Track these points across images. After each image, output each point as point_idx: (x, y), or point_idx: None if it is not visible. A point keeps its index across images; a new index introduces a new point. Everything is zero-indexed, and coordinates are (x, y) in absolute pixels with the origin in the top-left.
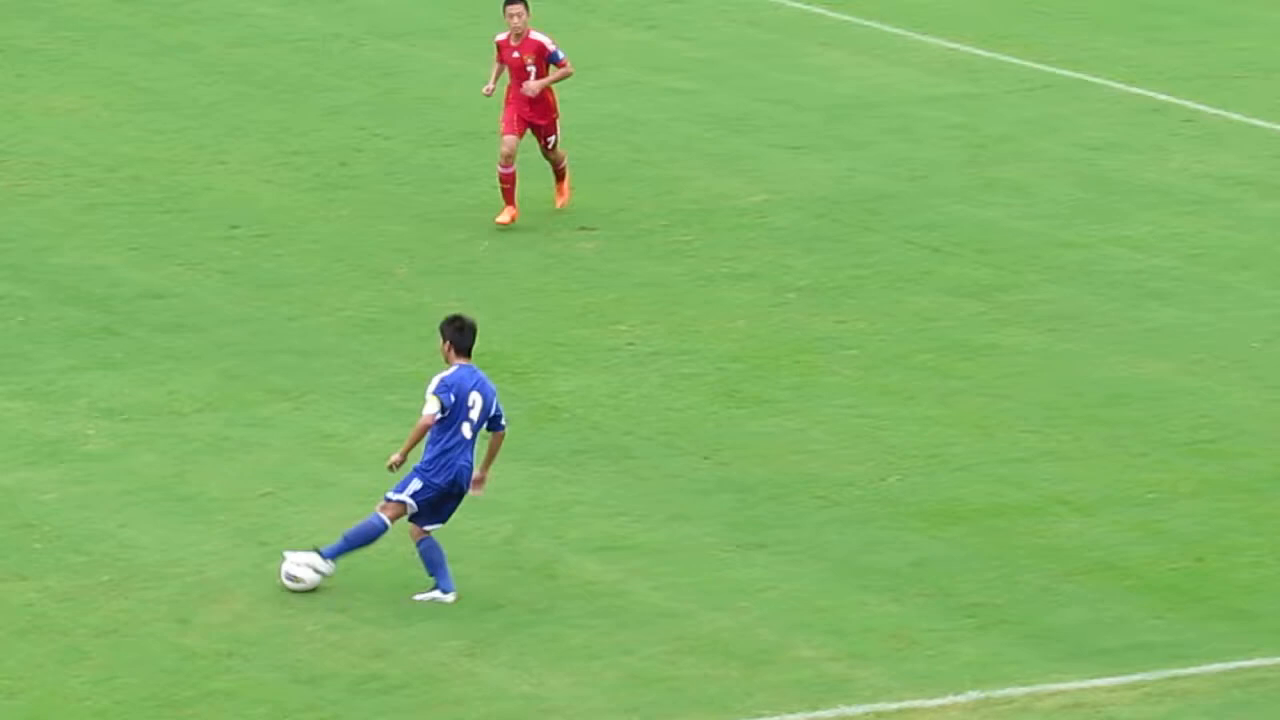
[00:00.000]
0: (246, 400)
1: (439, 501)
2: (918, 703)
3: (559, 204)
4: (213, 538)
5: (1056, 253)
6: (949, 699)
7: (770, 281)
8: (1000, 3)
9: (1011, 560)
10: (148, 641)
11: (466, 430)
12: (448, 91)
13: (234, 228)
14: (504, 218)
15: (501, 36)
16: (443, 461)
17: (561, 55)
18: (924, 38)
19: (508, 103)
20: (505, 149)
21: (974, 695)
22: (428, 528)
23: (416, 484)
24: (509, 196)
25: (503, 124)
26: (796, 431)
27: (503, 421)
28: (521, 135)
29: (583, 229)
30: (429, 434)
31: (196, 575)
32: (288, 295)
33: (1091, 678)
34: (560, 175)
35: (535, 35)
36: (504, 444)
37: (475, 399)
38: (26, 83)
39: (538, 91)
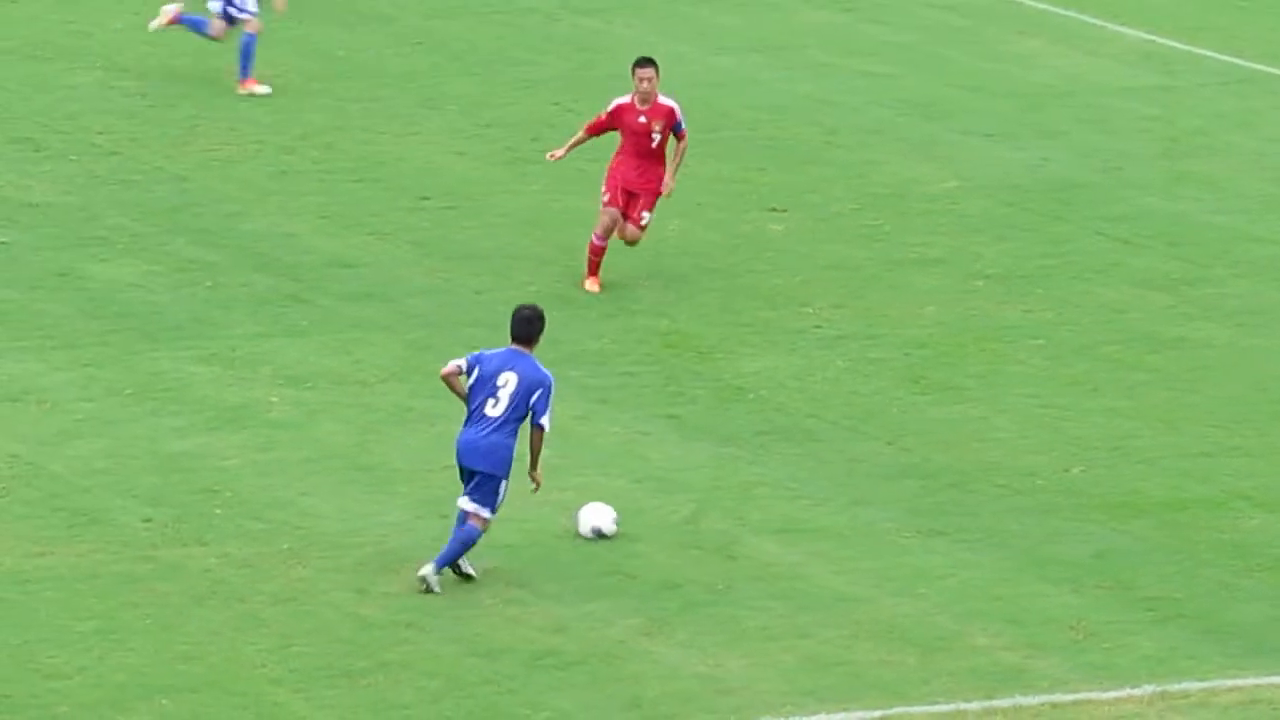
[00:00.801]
0: (431, 371)
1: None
2: (1094, 694)
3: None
4: (394, 509)
5: (1247, 247)
6: (1125, 692)
7: (959, 268)
8: None
9: (1192, 555)
10: (325, 610)
11: (489, 407)
12: None
13: (424, 199)
14: (592, 287)
15: (624, 100)
16: (458, 439)
17: (684, 125)
18: (1121, 29)
19: (613, 170)
20: (607, 220)
21: (1150, 689)
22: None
23: None
24: (596, 268)
25: (606, 193)
26: (980, 420)
27: (541, 420)
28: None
29: (772, 210)
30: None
31: (376, 546)
32: (476, 268)
33: (1269, 674)
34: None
35: (664, 100)
36: (680, 426)
37: (508, 379)
38: (221, 48)
39: (673, 188)
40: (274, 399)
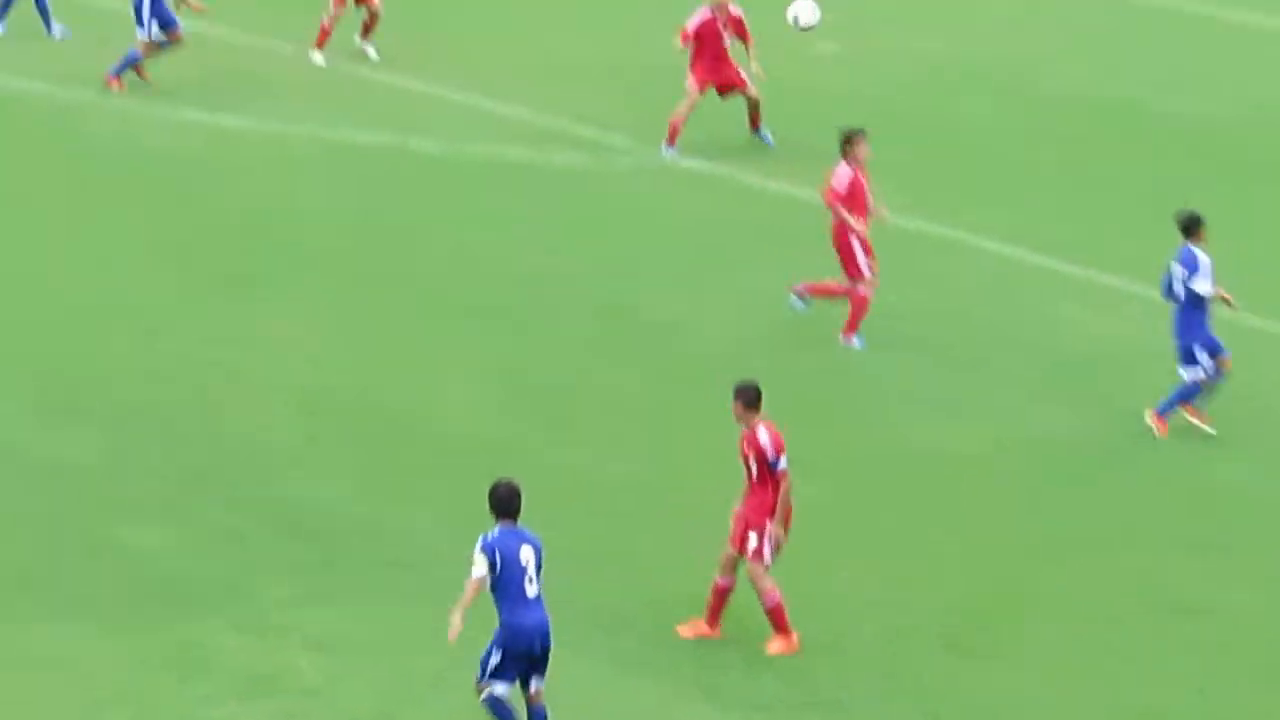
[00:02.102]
0: (463, 640)
1: (511, 662)
2: None
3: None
4: None
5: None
6: None
7: (989, 532)
8: None
9: None
10: None
11: (529, 588)
12: None
13: (455, 461)
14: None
15: None
16: (513, 628)
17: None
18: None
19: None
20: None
21: None
22: (495, 684)
23: (495, 657)
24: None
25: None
26: (1015, 688)
27: None
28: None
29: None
30: (495, 600)
31: None
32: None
33: None
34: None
35: None
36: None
37: (528, 556)
38: (250, 308)
39: None
40: (304, 665)
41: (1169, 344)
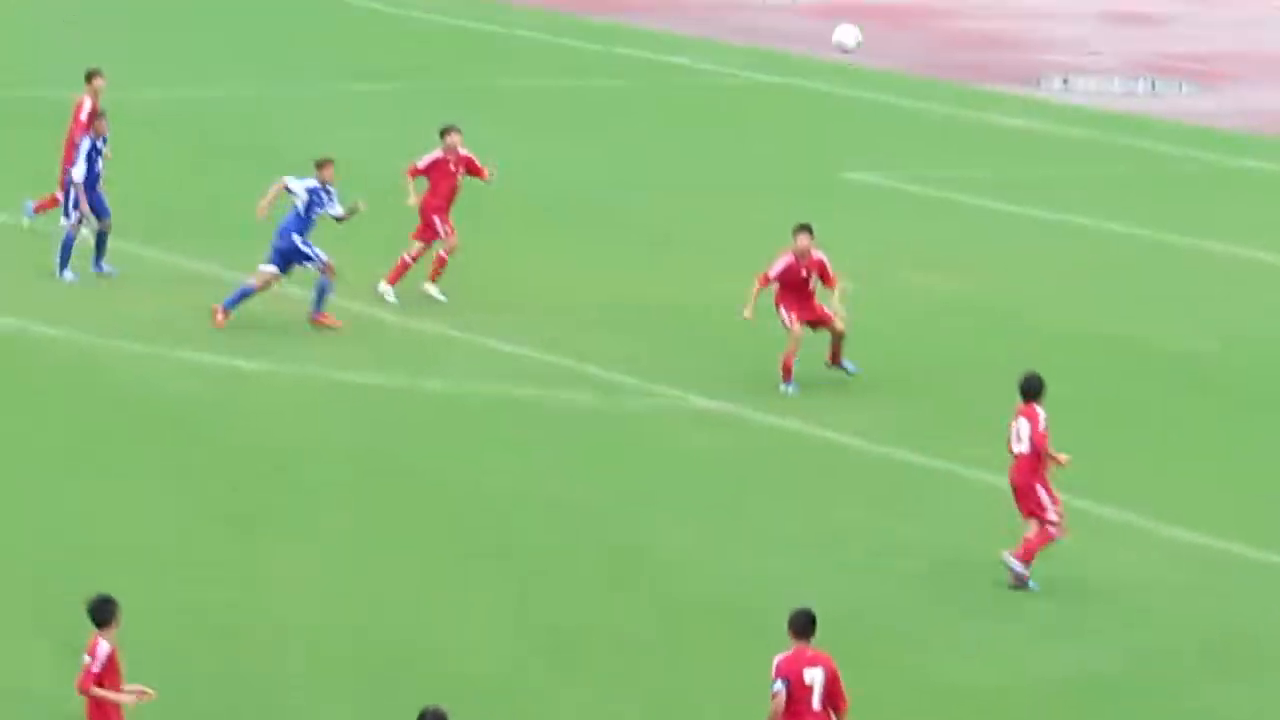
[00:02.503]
0: None
1: None
2: None
3: None
4: None
5: None
6: None
7: None
8: None
9: None
10: None
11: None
12: None
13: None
14: None
15: None
16: None
17: None
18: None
19: None
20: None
21: None
22: None
23: None
24: None
25: None
26: None
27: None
28: None
29: None
30: None
31: None
32: None
33: None
34: None
35: None
36: None
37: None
38: (261, 547)
39: None
40: None
41: (1165, 574)
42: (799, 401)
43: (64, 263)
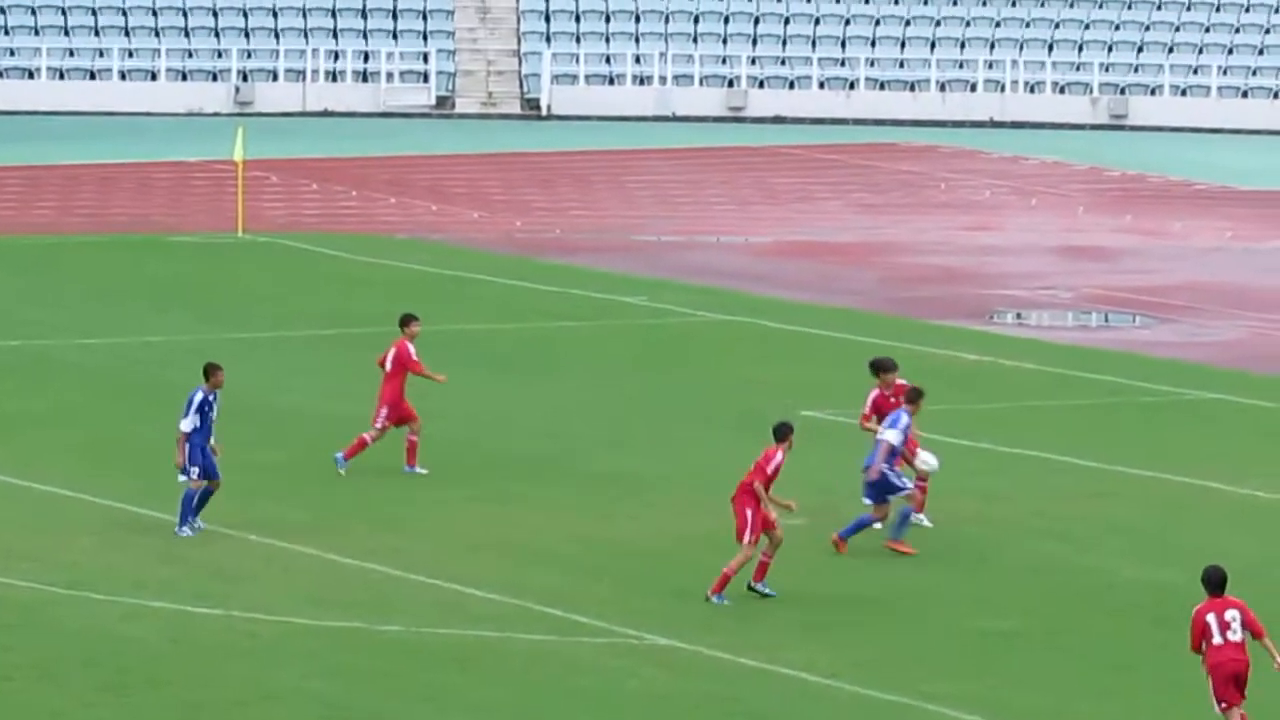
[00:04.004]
0: None
1: None
2: None
3: None
4: None
5: None
6: None
7: None
8: None
9: None
10: None
11: None
12: None
13: None
14: None
15: None
16: None
17: None
18: None
19: None
20: None
21: None
22: None
23: None
24: None
25: None
26: None
27: None
28: None
29: None
30: None
31: None
32: None
33: None
34: None
35: None
36: None
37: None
38: None
39: None
40: None
41: None
42: (759, 638)
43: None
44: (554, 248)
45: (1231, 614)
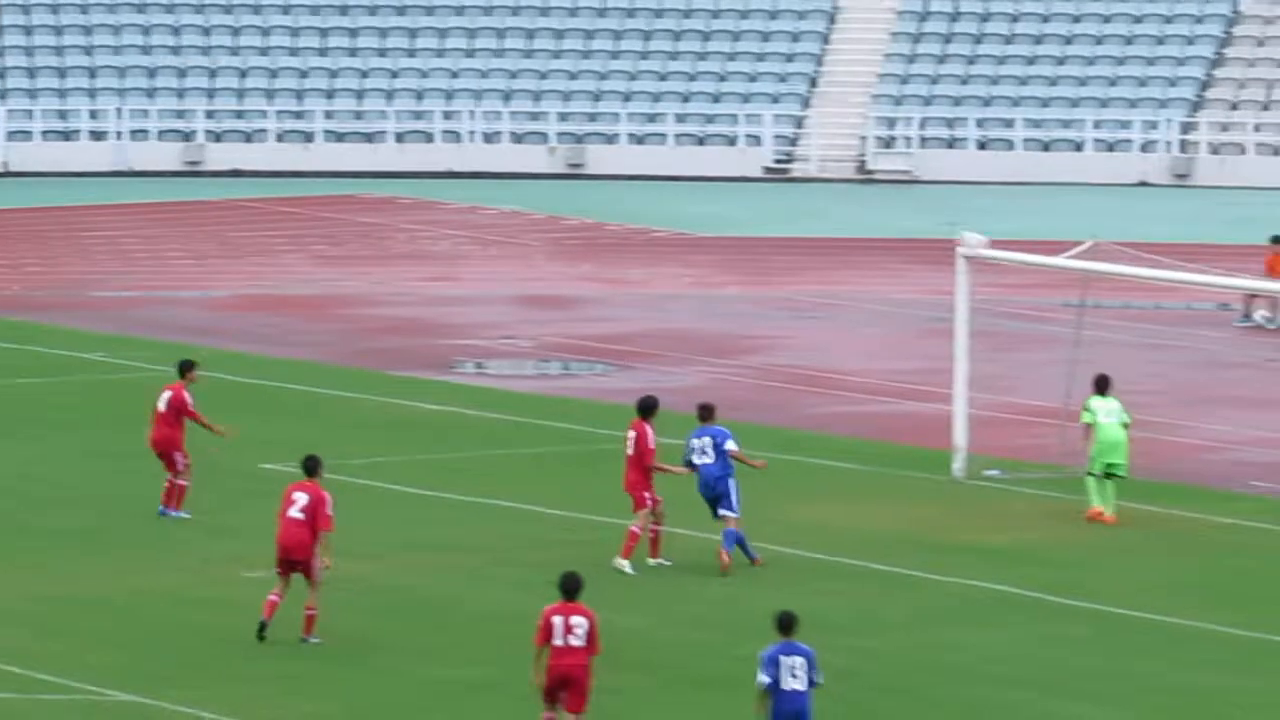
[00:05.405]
0: None
1: None
2: None
3: None
4: None
5: None
6: None
7: None
8: None
9: None
10: None
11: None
12: None
13: None
14: None
15: None
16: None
17: None
18: None
19: None
20: None
21: None
22: None
23: None
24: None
25: None
26: None
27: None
28: None
29: None
30: None
31: None
32: None
33: None
34: None
35: None
36: None
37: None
38: None
39: None
40: None
41: None
42: (227, 690)
43: None
44: (11, 305)
45: (578, 620)
